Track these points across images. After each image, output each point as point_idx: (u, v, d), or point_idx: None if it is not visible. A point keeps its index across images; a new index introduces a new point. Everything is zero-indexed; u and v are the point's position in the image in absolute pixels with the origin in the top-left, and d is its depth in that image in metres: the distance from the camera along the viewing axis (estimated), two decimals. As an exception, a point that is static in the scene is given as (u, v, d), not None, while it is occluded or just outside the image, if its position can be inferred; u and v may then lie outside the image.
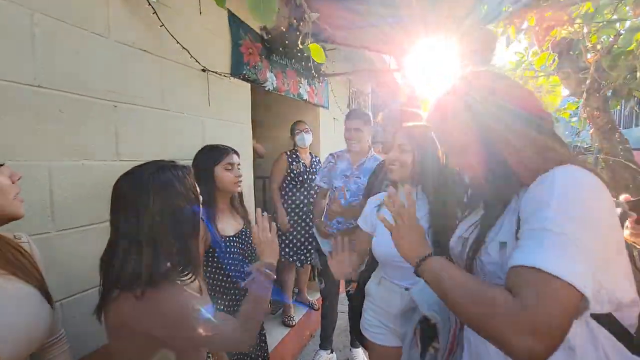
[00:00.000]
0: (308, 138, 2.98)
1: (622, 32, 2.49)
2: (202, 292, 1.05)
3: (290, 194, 2.99)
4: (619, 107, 3.01)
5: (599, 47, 2.62)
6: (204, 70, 1.84)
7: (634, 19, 2.48)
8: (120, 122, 1.40)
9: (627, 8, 2.58)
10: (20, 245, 0.87)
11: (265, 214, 1.15)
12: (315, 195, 2.83)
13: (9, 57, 1.04)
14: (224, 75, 2.00)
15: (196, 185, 0.97)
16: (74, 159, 1.24)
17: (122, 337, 0.86)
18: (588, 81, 2.61)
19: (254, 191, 2.47)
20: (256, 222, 1.12)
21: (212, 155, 1.60)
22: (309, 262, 3.03)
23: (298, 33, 2.26)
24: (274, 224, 1.14)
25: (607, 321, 0.67)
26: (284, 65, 2.61)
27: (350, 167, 2.44)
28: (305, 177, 2.98)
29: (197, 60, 1.75)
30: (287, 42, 2.30)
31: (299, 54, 2.38)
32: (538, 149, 0.74)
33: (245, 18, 2.15)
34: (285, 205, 2.99)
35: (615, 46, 2.46)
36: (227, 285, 1.57)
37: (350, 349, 2.75)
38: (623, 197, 0.98)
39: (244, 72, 2.13)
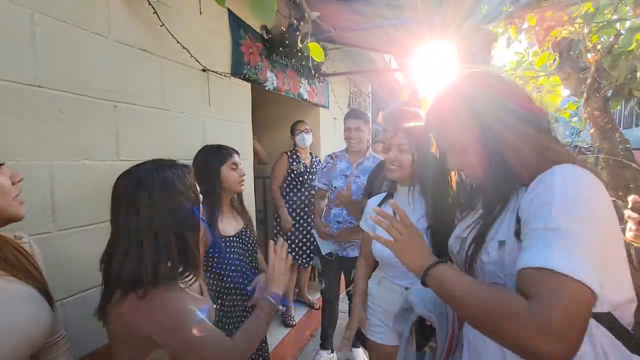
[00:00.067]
0: (308, 138, 2.98)
1: (622, 32, 2.49)
2: (203, 293, 1.05)
3: (291, 194, 2.99)
4: (619, 107, 3.01)
5: (599, 47, 2.61)
6: (204, 70, 1.84)
7: (634, 19, 2.48)
8: (121, 122, 1.40)
9: (627, 8, 2.58)
10: (21, 246, 0.86)
11: (281, 241, 1.13)
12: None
13: (9, 57, 1.04)
14: (225, 75, 2.00)
15: (196, 184, 0.97)
16: (74, 159, 1.24)
17: (122, 337, 0.86)
18: (588, 81, 2.61)
19: (254, 191, 2.47)
20: (274, 251, 1.10)
21: (218, 155, 1.60)
22: (309, 264, 3.03)
23: (298, 32, 2.26)
24: (290, 255, 1.13)
25: (607, 320, 0.67)
26: (284, 65, 2.61)
27: (350, 167, 2.45)
28: (306, 177, 2.98)
29: (197, 60, 1.75)
30: (287, 41, 2.30)
31: (299, 54, 2.38)
32: (537, 148, 0.74)
33: (245, 18, 2.15)
34: (286, 206, 2.99)
35: (616, 46, 2.46)
36: (226, 288, 1.57)
37: (351, 349, 2.75)
38: (631, 197, 0.98)
39: (245, 71, 2.13)
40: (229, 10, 2.02)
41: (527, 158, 0.74)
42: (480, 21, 2.22)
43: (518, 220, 0.72)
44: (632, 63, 2.38)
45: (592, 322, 0.66)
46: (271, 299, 1.02)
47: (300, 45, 2.07)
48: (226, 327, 1.53)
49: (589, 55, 2.63)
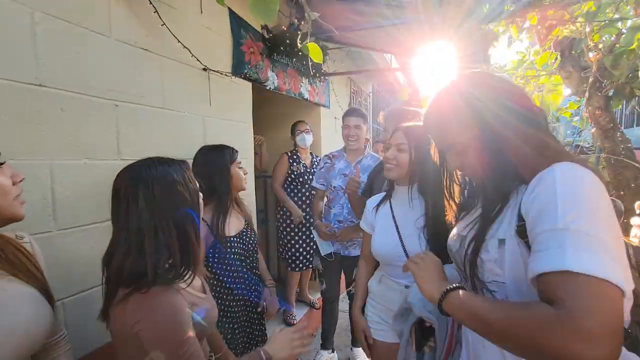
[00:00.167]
0: (309, 138, 2.98)
1: (624, 31, 2.49)
2: (206, 291, 1.04)
3: (291, 194, 2.99)
4: (620, 106, 3.01)
5: (601, 46, 2.61)
6: (205, 70, 1.84)
7: (636, 18, 2.47)
8: (122, 121, 1.40)
9: (629, 7, 2.58)
10: (22, 245, 0.86)
11: (304, 319, 1.10)
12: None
13: (10, 56, 1.04)
14: (225, 75, 2.00)
15: (194, 179, 0.97)
16: (75, 158, 1.24)
17: (123, 337, 0.85)
18: (590, 80, 2.61)
19: (255, 191, 2.47)
20: (301, 320, 1.08)
21: (227, 154, 1.60)
22: (311, 266, 3.03)
23: (299, 32, 2.26)
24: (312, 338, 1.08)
25: None
26: (285, 64, 2.61)
27: (348, 166, 2.45)
28: (306, 177, 2.98)
29: (198, 60, 1.75)
30: (288, 41, 2.30)
31: (300, 53, 2.38)
32: (537, 147, 0.74)
33: (246, 17, 2.15)
34: (285, 208, 3.00)
35: (617, 45, 2.46)
36: (226, 288, 1.56)
37: (352, 348, 2.75)
38: (638, 204, 0.99)
39: (246, 71, 2.13)
40: (229, 9, 2.02)
41: (528, 156, 0.74)
42: (481, 20, 2.21)
43: (519, 218, 0.72)
44: (633, 62, 2.38)
45: None
46: (263, 357, 0.98)
47: (299, 45, 2.07)
48: (226, 326, 1.54)
49: (591, 55, 2.63)
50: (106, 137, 1.35)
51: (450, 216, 1.01)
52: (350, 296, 1.79)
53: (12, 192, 0.78)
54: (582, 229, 0.59)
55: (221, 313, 1.52)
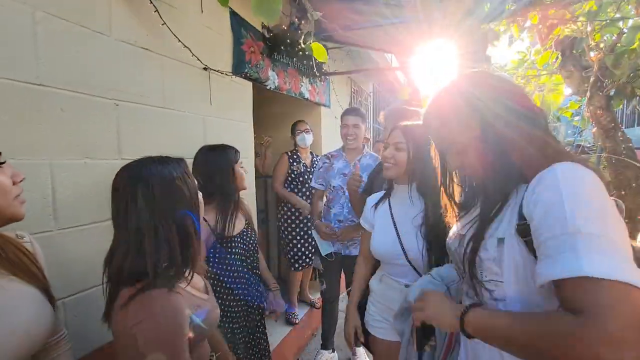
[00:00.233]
0: (309, 138, 2.98)
1: (625, 30, 2.48)
2: (208, 292, 1.04)
3: (291, 194, 3.00)
4: (621, 106, 3.00)
5: (602, 45, 2.61)
6: (205, 69, 1.84)
7: (637, 17, 2.47)
8: (122, 120, 1.40)
9: (630, 6, 2.57)
10: (23, 245, 0.86)
11: None
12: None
13: (10, 55, 1.04)
14: (226, 74, 2.00)
15: (193, 178, 0.97)
16: (75, 158, 1.24)
17: (123, 338, 0.85)
18: (591, 80, 2.60)
19: (255, 191, 2.47)
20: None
21: (231, 155, 1.60)
22: (311, 265, 3.04)
23: (300, 32, 2.26)
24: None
25: None
26: (285, 63, 2.60)
27: (347, 165, 2.45)
28: (306, 177, 2.98)
29: (198, 59, 1.75)
30: (288, 40, 2.30)
31: (300, 53, 2.38)
32: (537, 145, 0.74)
33: (247, 16, 2.15)
34: (285, 208, 3.00)
35: (619, 44, 2.45)
36: (226, 288, 1.56)
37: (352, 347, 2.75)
38: None
39: (246, 70, 2.13)
40: (230, 8, 2.02)
41: (528, 156, 0.74)
42: (482, 19, 2.21)
43: (520, 217, 0.71)
44: (635, 62, 2.37)
45: None
46: None
47: (303, 45, 2.07)
48: (226, 326, 1.54)
49: (592, 54, 2.62)
50: (106, 137, 1.34)
51: (449, 215, 1.01)
52: (351, 296, 1.80)
53: (12, 192, 0.78)
54: (593, 232, 0.58)
55: (221, 313, 1.51)
